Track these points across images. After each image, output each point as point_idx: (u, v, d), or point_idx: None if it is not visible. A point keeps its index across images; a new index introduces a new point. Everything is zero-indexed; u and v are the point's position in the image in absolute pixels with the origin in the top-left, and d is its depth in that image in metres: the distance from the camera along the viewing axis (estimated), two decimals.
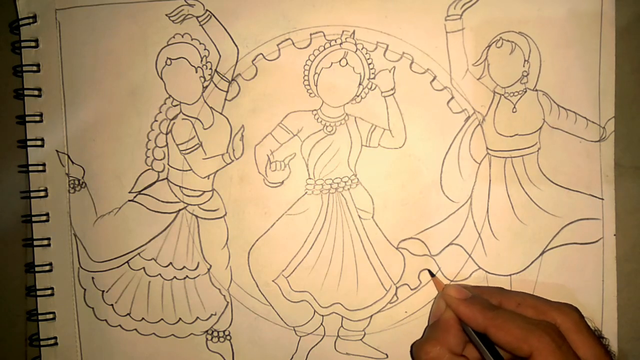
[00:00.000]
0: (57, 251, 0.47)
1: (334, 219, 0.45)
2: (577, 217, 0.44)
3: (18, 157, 0.47)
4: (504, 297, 0.39)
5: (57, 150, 0.47)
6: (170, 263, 0.46)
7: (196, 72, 0.46)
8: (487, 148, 0.44)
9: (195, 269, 0.46)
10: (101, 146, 0.47)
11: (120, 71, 0.46)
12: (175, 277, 0.46)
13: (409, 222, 0.45)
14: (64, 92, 0.47)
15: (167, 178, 0.46)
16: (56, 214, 0.47)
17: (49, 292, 0.47)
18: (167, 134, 0.46)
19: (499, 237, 0.44)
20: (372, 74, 0.45)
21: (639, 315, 0.44)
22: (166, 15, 0.46)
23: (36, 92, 0.47)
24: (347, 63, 0.45)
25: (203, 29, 0.46)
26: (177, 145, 0.46)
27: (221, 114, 0.46)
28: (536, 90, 0.44)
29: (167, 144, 0.46)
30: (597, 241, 0.44)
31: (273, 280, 0.46)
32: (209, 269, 0.46)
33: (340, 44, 0.45)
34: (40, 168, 0.47)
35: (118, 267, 0.46)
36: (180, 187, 0.46)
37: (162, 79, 0.46)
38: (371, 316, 0.45)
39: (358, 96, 0.45)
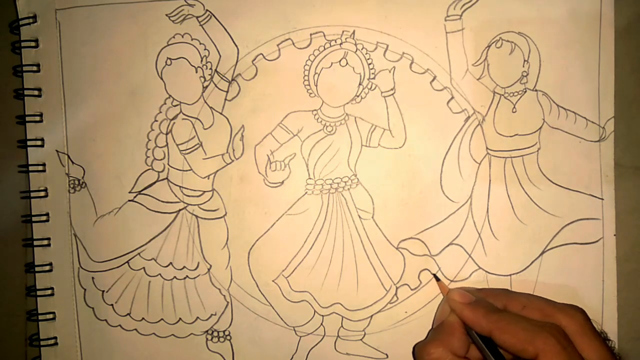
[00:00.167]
0: (57, 251, 0.47)
1: (334, 219, 0.45)
2: (577, 217, 0.44)
3: (18, 157, 0.47)
4: (509, 299, 0.39)
5: (57, 150, 0.47)
6: (170, 263, 0.46)
7: (196, 72, 0.46)
8: (487, 148, 0.44)
9: (196, 269, 0.46)
10: (101, 146, 0.47)
11: (120, 71, 0.46)
12: (175, 277, 0.46)
13: (409, 222, 0.45)
14: (64, 92, 0.47)
15: (167, 178, 0.46)
16: (56, 214, 0.47)
17: (49, 292, 0.47)
18: (167, 134, 0.46)
19: (499, 237, 0.44)
20: (372, 74, 0.45)
21: (639, 315, 0.44)
22: (166, 15, 0.46)
23: (36, 92, 0.47)
24: (347, 63, 0.45)
25: (203, 29, 0.46)
26: (177, 145, 0.46)
27: (221, 114, 0.46)
28: (536, 90, 0.44)
29: (167, 144, 0.46)
30: (597, 241, 0.44)
31: (273, 280, 0.46)
32: (209, 269, 0.46)
33: (340, 44, 0.45)
34: (40, 168, 0.47)
35: (118, 267, 0.46)
36: (180, 187, 0.46)
37: (162, 79, 0.46)
38: (371, 316, 0.45)
39: (358, 96, 0.45)
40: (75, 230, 0.47)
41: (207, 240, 0.46)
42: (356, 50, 0.45)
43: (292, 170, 0.45)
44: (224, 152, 0.46)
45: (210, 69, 0.46)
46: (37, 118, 0.47)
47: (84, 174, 0.47)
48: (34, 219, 0.47)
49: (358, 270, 0.45)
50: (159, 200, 0.46)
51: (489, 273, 0.44)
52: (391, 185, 0.45)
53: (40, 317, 0.47)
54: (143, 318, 0.46)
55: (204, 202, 0.46)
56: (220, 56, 0.46)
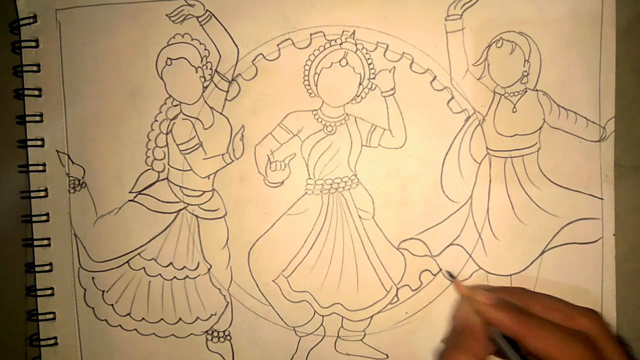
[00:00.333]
0: (57, 251, 0.47)
1: (334, 219, 0.45)
2: (576, 217, 0.44)
3: (18, 157, 0.47)
4: (530, 299, 0.38)
5: (57, 150, 0.47)
6: (171, 263, 0.46)
7: (196, 72, 0.46)
8: (487, 148, 0.44)
9: (196, 269, 0.46)
10: (101, 146, 0.47)
11: (120, 71, 0.46)
12: (175, 277, 0.46)
13: (409, 222, 0.45)
14: (64, 92, 0.47)
15: (167, 178, 0.46)
16: (56, 214, 0.47)
17: (49, 292, 0.47)
18: (167, 134, 0.46)
19: (499, 237, 0.44)
20: (372, 74, 0.45)
21: (638, 315, 0.44)
22: (166, 15, 0.46)
23: (36, 92, 0.47)
24: (347, 63, 0.45)
25: (203, 29, 0.46)
26: (177, 145, 0.46)
27: (221, 114, 0.46)
28: (536, 90, 0.44)
29: (167, 144, 0.46)
30: (596, 241, 0.44)
31: (273, 280, 0.46)
32: (209, 269, 0.46)
33: (341, 44, 0.45)
34: (40, 168, 0.47)
35: (118, 267, 0.46)
36: (180, 187, 0.46)
37: (162, 79, 0.46)
38: (371, 317, 0.45)
39: (358, 96, 0.45)
40: (76, 230, 0.47)
41: (207, 240, 0.46)
42: (356, 50, 0.45)
43: (292, 170, 0.45)
44: (224, 152, 0.46)
45: (211, 69, 0.46)
46: (37, 118, 0.47)
47: (84, 174, 0.47)
48: (34, 219, 0.47)
49: (358, 270, 0.45)
50: (159, 200, 0.46)
51: (490, 273, 0.44)
52: (391, 185, 0.45)
53: (40, 317, 0.47)
54: (143, 318, 0.46)
55: (204, 202, 0.46)
56: (220, 56, 0.46)
